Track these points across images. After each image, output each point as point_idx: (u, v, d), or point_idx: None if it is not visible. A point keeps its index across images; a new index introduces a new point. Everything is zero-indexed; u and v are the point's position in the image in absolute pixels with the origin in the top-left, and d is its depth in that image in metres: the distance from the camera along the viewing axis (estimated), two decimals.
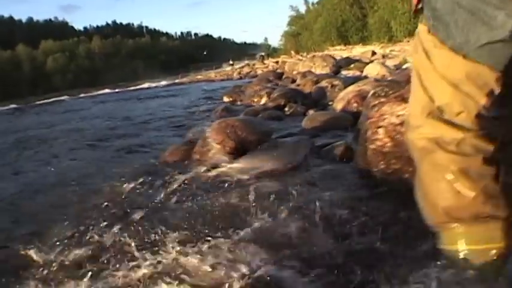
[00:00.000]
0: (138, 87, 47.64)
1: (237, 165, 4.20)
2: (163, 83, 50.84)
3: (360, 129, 3.93)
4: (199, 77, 55.46)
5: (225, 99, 13.08)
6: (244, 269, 1.93)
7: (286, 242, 2.27)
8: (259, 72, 34.42)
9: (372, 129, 3.54)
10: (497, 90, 1.70)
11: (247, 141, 4.61)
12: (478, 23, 1.61)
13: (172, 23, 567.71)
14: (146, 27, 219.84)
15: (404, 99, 3.50)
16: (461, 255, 1.82)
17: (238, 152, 4.52)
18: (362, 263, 2.06)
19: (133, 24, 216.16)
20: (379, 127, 3.46)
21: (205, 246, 2.44)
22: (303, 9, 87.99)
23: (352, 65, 18.93)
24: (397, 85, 4.69)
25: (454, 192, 1.77)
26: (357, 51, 39.82)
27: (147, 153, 6.01)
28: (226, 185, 3.81)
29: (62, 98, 42.30)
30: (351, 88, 7.24)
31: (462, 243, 1.83)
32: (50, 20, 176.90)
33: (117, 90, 44.51)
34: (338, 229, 2.48)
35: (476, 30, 1.62)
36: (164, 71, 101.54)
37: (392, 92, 4.36)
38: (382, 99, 3.84)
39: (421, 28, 1.81)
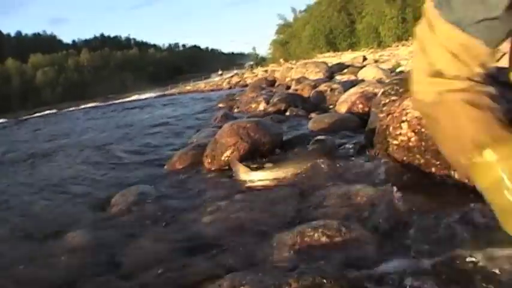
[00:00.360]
0: (127, 99, 47.45)
1: (258, 169, 4.06)
2: (153, 94, 50.76)
3: (376, 127, 3.85)
4: (188, 88, 55.49)
5: (221, 106, 13.02)
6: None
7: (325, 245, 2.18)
8: (248, 81, 34.38)
9: (393, 125, 3.46)
10: (489, 64, 1.93)
11: (261, 143, 4.50)
12: (476, 1, 1.78)
13: (160, 34, 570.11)
14: (134, 39, 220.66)
15: None
16: (499, 181, 1.87)
17: (252, 154, 4.42)
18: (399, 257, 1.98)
19: (121, 37, 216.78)
20: (403, 122, 3.38)
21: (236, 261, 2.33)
22: (290, 17, 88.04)
23: (345, 70, 18.96)
24: (407, 83, 4.63)
25: (473, 119, 1.90)
26: (347, 57, 39.87)
27: (153, 161, 5.88)
28: (251, 190, 3.68)
29: (53, 111, 42.15)
30: (353, 90, 7.19)
31: (497, 168, 1.88)
32: (39, 33, 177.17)
33: (107, 103, 44.21)
34: (376, 226, 2.39)
35: (473, 7, 1.80)
36: (153, 82, 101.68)
37: (404, 89, 4.33)
38: (393, 97, 3.77)
39: (428, 4, 1.96)
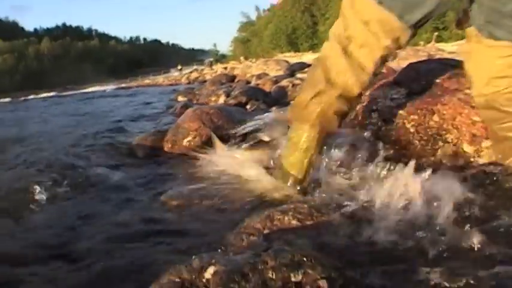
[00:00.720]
0: (86, 90, 46.81)
1: (220, 153, 3.93)
2: (113, 86, 50.27)
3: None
4: (147, 81, 55.36)
5: (180, 99, 12.81)
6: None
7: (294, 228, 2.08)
8: (207, 77, 34.20)
9: (363, 114, 3.37)
10: (403, 39, 2.18)
11: (224, 129, 4.37)
12: None
13: (122, 26, 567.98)
14: (96, 30, 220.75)
15: (397, 83, 3.38)
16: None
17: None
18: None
19: (83, 27, 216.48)
20: (373, 111, 3.31)
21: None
22: (254, 15, 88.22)
23: (306, 69, 18.86)
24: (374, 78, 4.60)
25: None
26: (307, 58, 39.84)
27: (112, 146, 5.65)
28: (215, 174, 3.49)
29: (7, 100, 41.31)
30: None
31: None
32: (1, 19, 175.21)
33: (66, 93, 43.49)
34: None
35: None
36: (112, 74, 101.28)
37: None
38: None
39: None
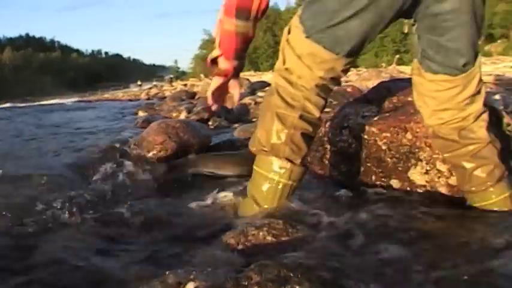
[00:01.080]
0: (46, 102, 46.17)
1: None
2: (73, 99, 49.72)
3: None
4: (106, 95, 54.87)
5: (141, 114, 12.65)
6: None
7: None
8: (167, 93, 33.99)
9: (333, 131, 3.34)
10: (338, 68, 2.24)
11: (190, 144, 4.30)
12: (322, 10, 2.13)
13: (84, 39, 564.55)
14: (58, 42, 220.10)
15: (368, 101, 3.37)
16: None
17: (179, 155, 4.21)
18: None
19: (45, 38, 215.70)
20: (344, 128, 3.26)
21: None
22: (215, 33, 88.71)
23: (267, 88, 18.91)
24: (341, 96, 4.64)
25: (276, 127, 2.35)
26: (268, 77, 39.98)
27: (73, 162, 5.51)
28: (183, 188, 3.51)
29: None
30: None
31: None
32: None
33: (25, 104, 42.70)
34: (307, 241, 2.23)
35: (320, 18, 2.13)
36: (71, 88, 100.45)
37: (337, 102, 4.32)
38: (327, 109, 3.69)
39: (298, 13, 2.31)
